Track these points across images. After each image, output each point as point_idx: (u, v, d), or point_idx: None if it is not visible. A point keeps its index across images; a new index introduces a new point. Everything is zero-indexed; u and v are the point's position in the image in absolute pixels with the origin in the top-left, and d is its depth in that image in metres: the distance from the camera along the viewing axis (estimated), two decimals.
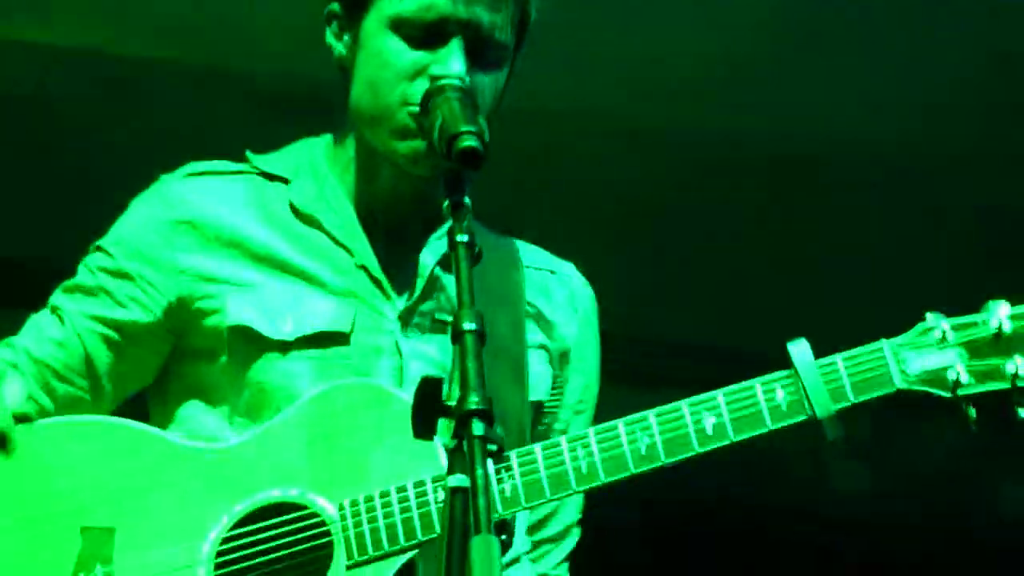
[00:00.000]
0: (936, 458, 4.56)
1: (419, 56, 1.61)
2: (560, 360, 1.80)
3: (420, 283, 1.68)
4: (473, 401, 1.26)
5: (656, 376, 4.18)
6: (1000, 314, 1.53)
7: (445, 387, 1.29)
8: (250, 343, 1.63)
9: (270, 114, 3.79)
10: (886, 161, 4.05)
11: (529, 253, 1.81)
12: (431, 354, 1.67)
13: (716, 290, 4.39)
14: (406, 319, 1.68)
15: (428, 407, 1.29)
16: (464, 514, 1.25)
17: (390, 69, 1.63)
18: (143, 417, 1.69)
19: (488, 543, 1.22)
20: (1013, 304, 1.55)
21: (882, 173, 4.11)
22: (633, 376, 3.92)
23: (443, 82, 1.50)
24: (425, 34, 1.61)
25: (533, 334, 1.75)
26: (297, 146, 1.81)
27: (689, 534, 4.90)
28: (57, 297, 1.71)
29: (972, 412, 1.52)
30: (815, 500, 4.92)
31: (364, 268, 1.69)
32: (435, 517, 1.48)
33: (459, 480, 1.25)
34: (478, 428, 1.25)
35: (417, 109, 1.57)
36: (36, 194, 4.08)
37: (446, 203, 1.38)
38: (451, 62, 1.57)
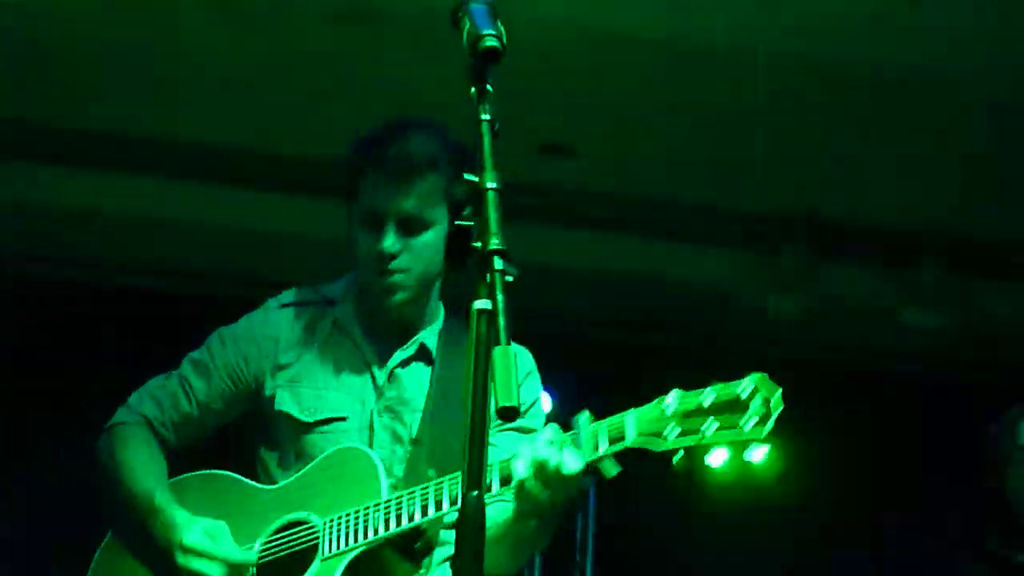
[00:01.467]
0: None
1: (371, 237, 2.40)
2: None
3: (386, 388, 2.50)
4: (494, 243, 1.62)
5: None
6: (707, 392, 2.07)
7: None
8: (289, 421, 2.48)
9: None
10: None
11: None
12: (396, 430, 2.47)
13: None
14: (380, 406, 2.49)
15: (459, 246, 1.66)
16: (488, 330, 1.62)
17: (360, 248, 2.44)
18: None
19: (507, 352, 1.59)
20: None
21: None
22: None
23: (384, 257, 2.35)
24: (372, 220, 2.40)
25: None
26: (348, 276, 2.60)
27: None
28: (186, 369, 2.57)
29: (675, 459, 2.05)
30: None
31: (367, 364, 2.51)
32: (370, 529, 2.24)
33: (484, 304, 1.62)
34: (498, 263, 1.61)
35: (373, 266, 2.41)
36: None
37: (473, 89, 1.72)
38: (384, 239, 2.37)
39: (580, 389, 4.44)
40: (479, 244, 1.63)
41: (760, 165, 4.74)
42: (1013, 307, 5.60)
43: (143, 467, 2.45)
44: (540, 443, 2.09)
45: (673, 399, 2.07)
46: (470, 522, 1.62)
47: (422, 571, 2.34)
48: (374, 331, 2.52)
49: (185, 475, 2.56)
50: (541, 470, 2.06)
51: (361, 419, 2.44)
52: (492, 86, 1.72)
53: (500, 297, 1.61)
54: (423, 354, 2.50)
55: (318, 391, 2.47)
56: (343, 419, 2.44)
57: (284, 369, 2.50)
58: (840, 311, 5.68)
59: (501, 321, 1.60)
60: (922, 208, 5.27)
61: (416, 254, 2.38)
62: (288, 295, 2.59)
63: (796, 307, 5.44)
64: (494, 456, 2.14)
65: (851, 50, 4.39)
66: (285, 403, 2.47)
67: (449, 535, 2.31)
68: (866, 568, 6.03)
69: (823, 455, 5.72)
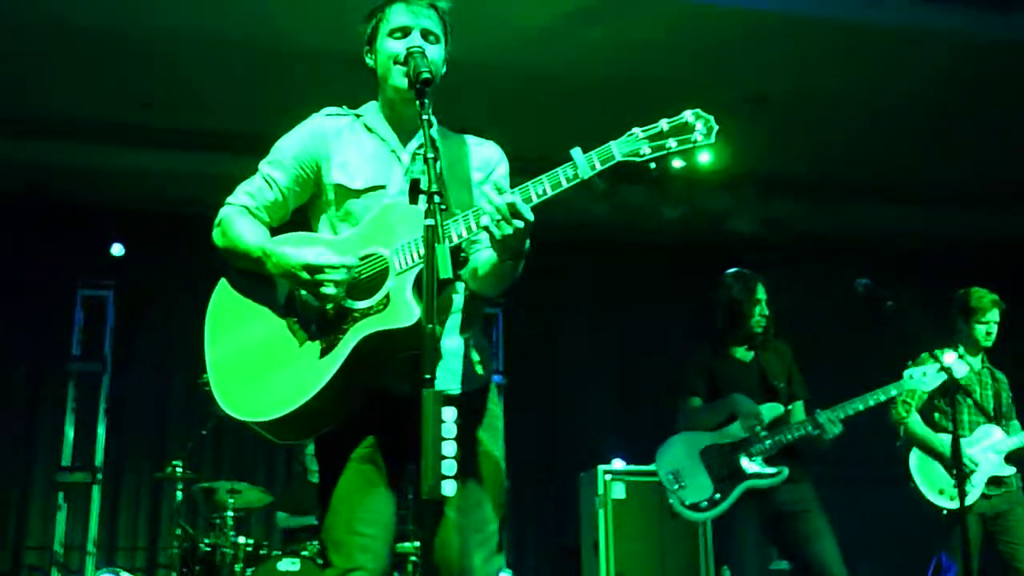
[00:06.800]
0: None
1: (399, 43, 3.12)
2: (486, 172, 3.23)
3: (407, 166, 3.12)
4: (432, 188, 2.53)
5: None
6: (660, 122, 2.81)
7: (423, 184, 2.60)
8: (342, 190, 3.14)
9: None
10: None
11: (470, 139, 3.25)
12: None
13: None
14: (407, 176, 2.93)
15: (415, 191, 2.64)
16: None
17: (388, 54, 3.14)
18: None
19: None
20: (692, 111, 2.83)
21: None
22: None
23: (412, 49, 2.99)
24: (401, 32, 3.13)
25: (474, 172, 3.20)
26: (367, 103, 3.30)
27: None
28: (265, 169, 3.22)
29: (651, 166, 2.78)
30: None
31: (393, 151, 3.18)
32: (421, 253, 2.81)
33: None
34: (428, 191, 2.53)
35: (402, 62, 3.09)
36: None
37: (417, 104, 2.77)
38: (414, 41, 3.07)
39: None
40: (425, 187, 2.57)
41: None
42: (719, 206, 9.80)
43: (250, 233, 3.12)
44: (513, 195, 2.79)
45: (639, 130, 2.77)
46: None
47: (458, 283, 3.08)
48: (394, 129, 3.22)
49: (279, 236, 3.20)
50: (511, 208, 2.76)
51: (395, 186, 3.11)
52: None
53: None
54: (430, 144, 2.89)
55: (361, 168, 3.14)
56: (383, 187, 3.12)
57: (334, 156, 3.16)
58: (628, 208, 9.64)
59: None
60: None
61: (432, 57, 3.05)
62: (327, 109, 3.27)
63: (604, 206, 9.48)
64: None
65: None
66: (339, 178, 3.13)
67: (477, 246, 3.09)
68: None
69: None
